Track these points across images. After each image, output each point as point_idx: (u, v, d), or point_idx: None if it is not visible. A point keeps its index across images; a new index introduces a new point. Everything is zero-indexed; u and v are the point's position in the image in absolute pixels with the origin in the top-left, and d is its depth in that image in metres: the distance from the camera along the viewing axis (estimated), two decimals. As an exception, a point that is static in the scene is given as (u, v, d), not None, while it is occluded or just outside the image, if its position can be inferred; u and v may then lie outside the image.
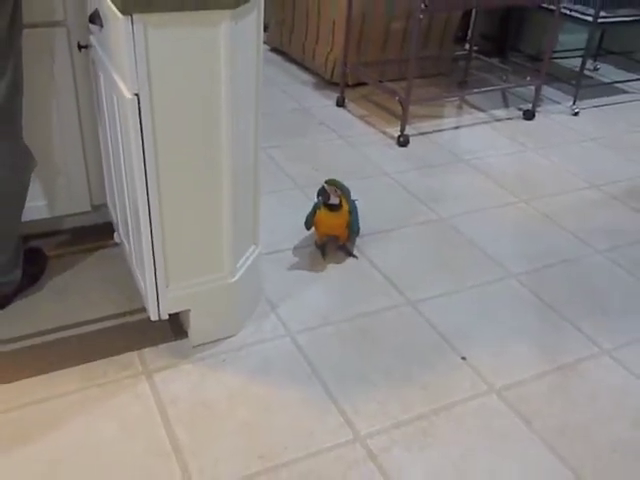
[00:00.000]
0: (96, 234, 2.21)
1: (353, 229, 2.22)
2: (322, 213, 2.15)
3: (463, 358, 1.85)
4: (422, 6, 2.78)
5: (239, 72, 1.51)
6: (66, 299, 1.94)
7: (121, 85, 1.47)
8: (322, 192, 2.10)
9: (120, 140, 1.60)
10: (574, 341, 1.94)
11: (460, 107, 3.64)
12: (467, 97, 3.75)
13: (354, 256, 2.25)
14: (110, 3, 1.40)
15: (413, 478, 1.50)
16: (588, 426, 1.66)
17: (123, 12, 1.32)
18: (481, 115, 3.54)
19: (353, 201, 2.23)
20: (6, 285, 1.85)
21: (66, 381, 1.68)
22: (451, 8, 3.46)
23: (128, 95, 1.42)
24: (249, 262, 1.86)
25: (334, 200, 2.11)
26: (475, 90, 3.80)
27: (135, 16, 1.33)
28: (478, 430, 1.63)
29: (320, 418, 1.63)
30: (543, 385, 1.78)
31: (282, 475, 1.48)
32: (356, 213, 2.23)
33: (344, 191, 2.14)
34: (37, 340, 1.78)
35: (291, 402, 1.67)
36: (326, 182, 2.12)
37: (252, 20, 1.54)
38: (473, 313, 2.03)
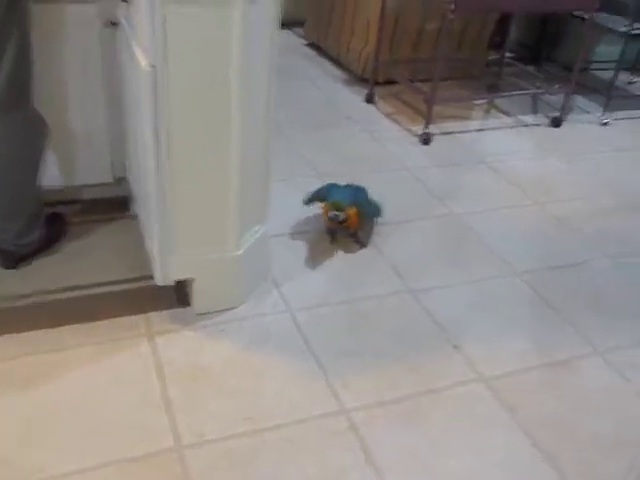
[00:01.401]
0: (115, 205, 2.30)
1: (368, 213, 2.27)
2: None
3: (455, 346, 1.89)
4: (451, 6, 2.82)
5: (252, 51, 1.59)
6: (80, 262, 2.03)
7: (140, 57, 1.55)
8: (334, 218, 2.16)
9: (137, 111, 1.69)
10: (569, 340, 1.97)
11: (488, 111, 3.67)
12: (496, 101, 3.77)
13: (363, 245, 2.30)
14: (134, -21, 1.49)
15: (391, 452, 1.55)
16: (571, 420, 1.69)
17: (143, -13, 1.41)
18: (508, 120, 3.55)
19: (360, 192, 2.28)
20: (24, 247, 1.95)
21: (72, 336, 1.78)
22: (479, 10, 3.49)
23: (146, 67, 1.51)
24: (255, 239, 1.93)
25: (342, 218, 2.17)
26: (503, 94, 3.82)
27: (155, -8, 1.41)
28: (461, 414, 1.67)
29: (308, 389, 1.69)
30: (532, 378, 1.81)
31: (265, 438, 1.55)
32: (367, 202, 2.29)
33: (345, 201, 2.20)
34: (49, 297, 1.87)
35: (282, 372, 1.74)
36: (332, 210, 2.17)
37: (268, 3, 1.61)
38: (472, 306, 2.07)
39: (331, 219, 2.18)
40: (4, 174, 1.81)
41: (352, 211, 2.20)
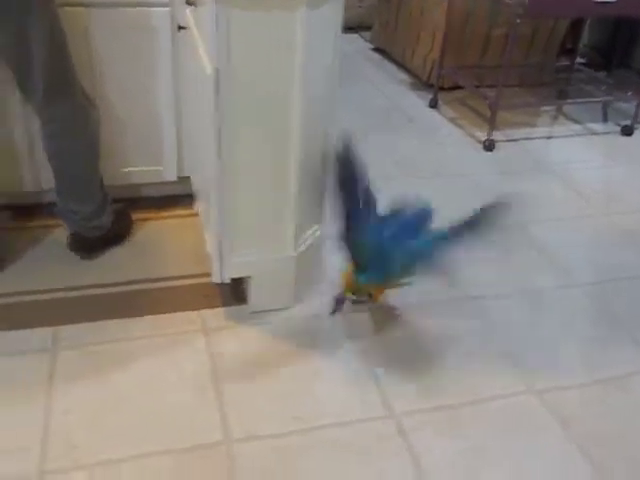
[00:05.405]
0: (181, 203, 2.38)
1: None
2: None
3: (509, 357, 1.86)
4: (520, 11, 2.78)
5: (314, 54, 1.61)
6: (145, 258, 2.11)
7: (205, 60, 1.60)
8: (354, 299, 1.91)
9: (201, 112, 1.74)
10: (628, 355, 1.91)
11: (556, 117, 3.59)
12: (565, 109, 3.68)
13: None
14: (201, -15, 1.54)
15: (437, 458, 1.54)
16: (625, 436, 1.64)
17: (209, -7, 1.45)
18: (576, 127, 3.47)
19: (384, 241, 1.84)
20: (93, 230, 2.05)
21: (138, 327, 1.85)
22: (549, 15, 3.42)
23: (209, 69, 1.55)
24: (311, 240, 1.96)
25: (364, 298, 1.95)
26: (572, 101, 3.72)
27: (220, -3, 1.46)
28: (511, 425, 1.65)
29: (359, 392, 1.70)
30: (586, 392, 1.77)
31: (313, 437, 1.57)
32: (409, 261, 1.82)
33: (372, 279, 1.84)
34: (117, 289, 1.97)
35: (334, 374, 1.76)
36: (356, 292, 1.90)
37: (331, 8, 1.63)
38: (528, 315, 2.04)
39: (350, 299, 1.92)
40: (69, 160, 1.91)
41: (378, 291, 1.96)
